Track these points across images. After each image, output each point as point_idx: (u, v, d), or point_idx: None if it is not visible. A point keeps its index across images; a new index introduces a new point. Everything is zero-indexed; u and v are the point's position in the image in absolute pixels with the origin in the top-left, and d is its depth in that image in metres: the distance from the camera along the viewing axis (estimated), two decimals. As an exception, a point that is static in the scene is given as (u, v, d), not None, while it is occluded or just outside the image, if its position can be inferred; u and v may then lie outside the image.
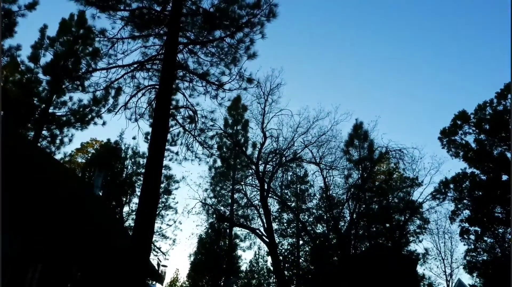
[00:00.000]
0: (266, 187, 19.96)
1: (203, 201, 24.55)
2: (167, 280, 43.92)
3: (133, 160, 27.53)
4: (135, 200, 27.05)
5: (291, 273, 27.74)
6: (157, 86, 10.99)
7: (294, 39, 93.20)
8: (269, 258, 29.65)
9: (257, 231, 20.92)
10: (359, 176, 23.02)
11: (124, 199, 26.60)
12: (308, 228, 23.90)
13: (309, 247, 26.72)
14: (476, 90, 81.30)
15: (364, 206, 23.38)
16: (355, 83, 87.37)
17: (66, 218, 8.73)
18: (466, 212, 27.27)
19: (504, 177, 25.36)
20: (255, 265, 34.40)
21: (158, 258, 26.30)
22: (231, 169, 25.39)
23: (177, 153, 17.57)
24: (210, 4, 11.56)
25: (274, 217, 25.92)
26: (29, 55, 18.77)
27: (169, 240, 28.82)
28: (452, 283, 28.02)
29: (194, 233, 54.55)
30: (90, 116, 20.12)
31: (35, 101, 18.80)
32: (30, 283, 7.44)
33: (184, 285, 42.62)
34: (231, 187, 25.97)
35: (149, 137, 11.13)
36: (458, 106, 74.82)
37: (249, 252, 52.45)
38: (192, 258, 30.71)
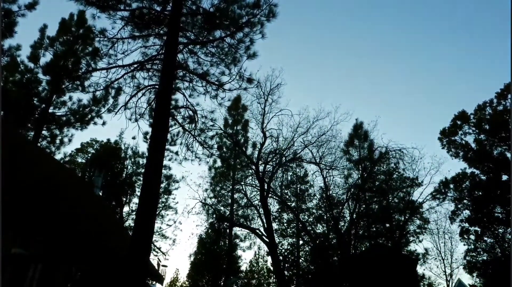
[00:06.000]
0: (266, 187, 19.98)
1: (203, 201, 24.58)
2: (167, 280, 43.94)
3: (133, 160, 27.55)
4: (135, 200, 27.07)
5: (291, 273, 27.71)
6: (157, 86, 10.98)
7: (294, 39, 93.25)
8: (269, 258, 29.67)
9: (257, 231, 20.94)
10: (359, 176, 23.04)
11: (124, 199, 26.62)
12: (308, 228, 23.89)
13: (309, 247, 26.70)
14: (476, 90, 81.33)
15: (364, 206, 23.39)
16: (355, 83, 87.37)
17: (66, 218, 8.73)
18: (466, 212, 27.29)
19: (504, 177, 25.37)
20: (255, 265, 34.46)
21: (158, 258, 26.32)
22: (231, 169, 25.39)
23: (177, 153, 17.52)
24: (210, 4, 11.58)
25: (274, 217, 25.92)
26: (29, 55, 18.76)
27: (169, 240, 28.89)
28: (452, 283, 28.02)
29: (194, 233, 54.50)
30: (90, 116, 20.12)
31: (35, 101, 18.79)
32: (30, 283, 7.44)
33: (184, 285, 42.62)
34: (231, 187, 25.97)
35: (149, 137, 11.12)
36: (458, 106, 74.83)
37: (249, 252, 52.49)
38: (192, 258, 30.78)
